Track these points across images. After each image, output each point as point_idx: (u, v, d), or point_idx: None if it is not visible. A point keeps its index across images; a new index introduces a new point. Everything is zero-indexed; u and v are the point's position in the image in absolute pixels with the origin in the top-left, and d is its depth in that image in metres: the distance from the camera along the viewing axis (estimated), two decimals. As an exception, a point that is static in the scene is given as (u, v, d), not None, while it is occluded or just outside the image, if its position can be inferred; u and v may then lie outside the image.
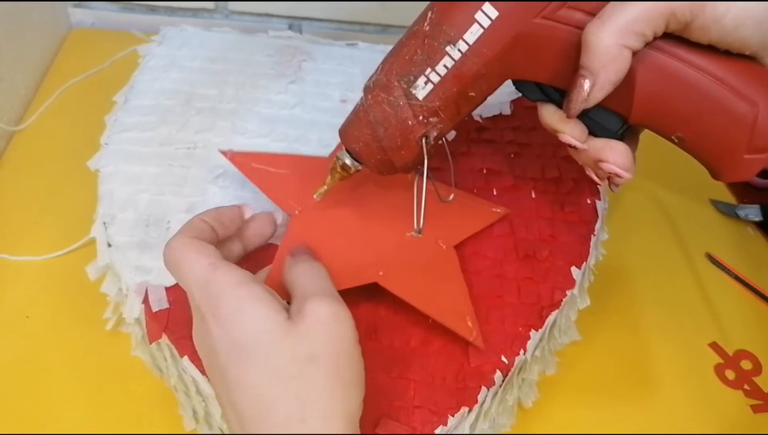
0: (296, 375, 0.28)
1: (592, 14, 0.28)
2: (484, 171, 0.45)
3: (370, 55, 0.55)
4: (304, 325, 0.29)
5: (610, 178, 0.33)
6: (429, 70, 0.31)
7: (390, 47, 0.34)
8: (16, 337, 0.43)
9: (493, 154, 0.46)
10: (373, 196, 0.40)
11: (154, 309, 0.36)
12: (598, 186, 0.44)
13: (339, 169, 0.36)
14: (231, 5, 0.67)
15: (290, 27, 0.68)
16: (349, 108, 0.49)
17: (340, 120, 0.47)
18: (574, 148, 0.33)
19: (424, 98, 0.32)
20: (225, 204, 0.40)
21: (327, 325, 0.29)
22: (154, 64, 0.51)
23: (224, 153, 0.41)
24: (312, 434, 0.27)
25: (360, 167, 0.36)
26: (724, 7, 0.26)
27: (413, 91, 0.32)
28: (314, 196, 0.37)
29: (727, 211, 0.57)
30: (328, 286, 0.32)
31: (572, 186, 0.44)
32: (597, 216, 0.43)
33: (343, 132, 0.35)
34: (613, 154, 0.32)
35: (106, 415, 0.40)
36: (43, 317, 0.44)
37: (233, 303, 0.29)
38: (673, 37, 0.28)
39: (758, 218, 0.57)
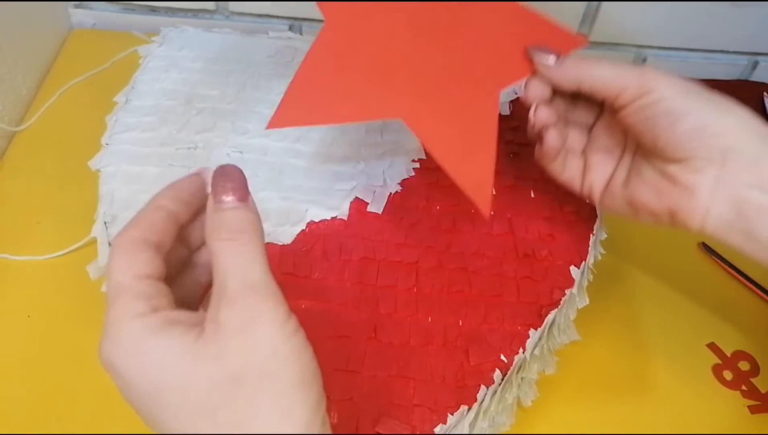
0: (222, 403, 0.24)
1: None
2: (484, 171, 0.45)
3: (370, 56, 0.54)
4: (217, 342, 0.24)
5: None
6: None
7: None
8: (17, 337, 0.43)
9: (493, 154, 0.46)
10: (432, 32, 0.36)
11: (155, 308, 0.36)
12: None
13: None
14: (231, 6, 0.67)
15: (291, 28, 0.68)
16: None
17: (340, 120, 0.47)
18: None
19: None
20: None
21: (241, 333, 0.24)
22: (155, 65, 0.51)
23: None
24: None
25: None
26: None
27: None
28: None
29: (725, 211, 0.57)
30: (247, 262, 0.25)
31: (571, 186, 0.44)
32: (596, 215, 0.43)
33: None
34: None
35: (106, 415, 0.40)
36: (44, 317, 0.44)
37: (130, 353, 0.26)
38: None
39: (757, 218, 0.57)
